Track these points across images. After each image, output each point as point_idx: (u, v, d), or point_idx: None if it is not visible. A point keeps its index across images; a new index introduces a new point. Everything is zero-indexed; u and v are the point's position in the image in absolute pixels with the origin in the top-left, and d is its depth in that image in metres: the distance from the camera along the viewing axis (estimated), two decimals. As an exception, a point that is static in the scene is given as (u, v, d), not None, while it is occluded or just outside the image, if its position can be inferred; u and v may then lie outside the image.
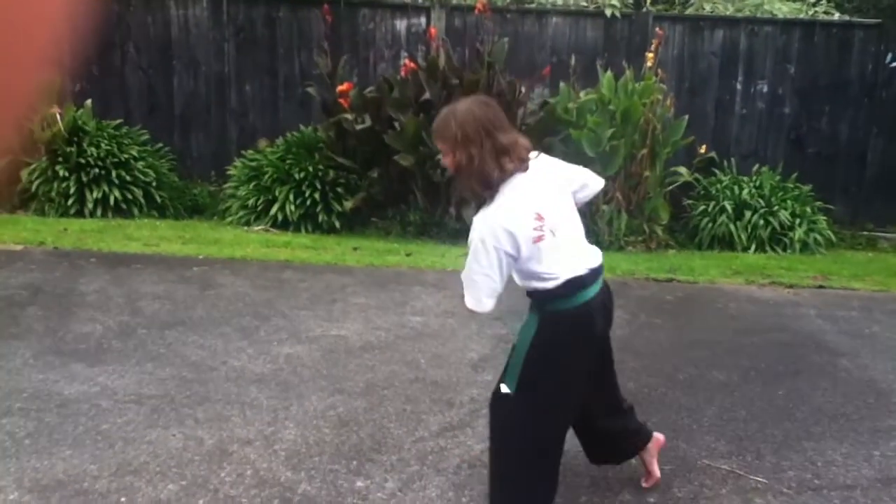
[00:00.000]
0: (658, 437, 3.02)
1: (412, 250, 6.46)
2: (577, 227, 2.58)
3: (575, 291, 2.49)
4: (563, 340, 2.54)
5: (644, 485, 3.01)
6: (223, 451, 3.15)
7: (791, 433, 3.51)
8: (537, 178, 2.50)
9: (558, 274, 2.46)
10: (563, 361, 2.56)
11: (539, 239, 2.41)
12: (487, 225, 2.40)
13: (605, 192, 7.02)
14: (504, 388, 2.55)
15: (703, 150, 7.53)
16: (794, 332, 4.91)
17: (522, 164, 2.46)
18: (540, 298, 2.54)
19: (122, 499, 2.79)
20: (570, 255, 2.50)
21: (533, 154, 2.52)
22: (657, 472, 3.00)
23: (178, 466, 3.02)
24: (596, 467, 3.07)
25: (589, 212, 6.85)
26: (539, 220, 2.41)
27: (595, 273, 2.55)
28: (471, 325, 4.71)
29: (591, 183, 2.75)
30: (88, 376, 3.78)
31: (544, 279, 2.48)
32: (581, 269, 2.50)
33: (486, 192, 2.45)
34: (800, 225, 7.08)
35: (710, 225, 7.19)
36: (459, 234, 6.99)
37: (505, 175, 2.43)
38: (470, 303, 2.48)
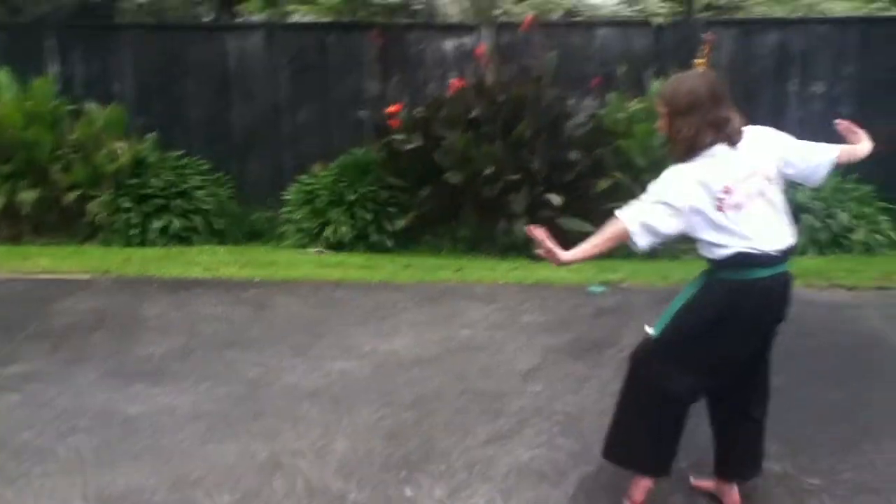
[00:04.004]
0: (734, 496, 2.86)
1: (463, 265, 6.50)
2: (773, 206, 2.62)
3: (743, 266, 2.57)
4: (717, 308, 2.61)
5: (694, 484, 2.98)
6: (276, 464, 3.23)
7: (849, 435, 3.41)
8: (742, 153, 2.59)
9: (730, 246, 2.56)
10: (711, 328, 2.61)
11: (719, 208, 2.52)
12: (676, 171, 2.57)
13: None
14: (648, 330, 2.71)
15: (758, 154, 7.38)
16: (854, 334, 4.77)
17: (728, 139, 2.57)
18: (711, 265, 2.65)
19: (179, 510, 2.90)
20: (751, 231, 2.55)
21: (745, 129, 2.62)
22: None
23: (233, 479, 3.11)
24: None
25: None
26: (725, 193, 2.52)
27: (773, 257, 2.57)
28: (520, 337, 4.72)
29: (815, 155, 2.74)
30: (149, 395, 3.92)
31: (714, 248, 2.58)
32: (757, 248, 2.55)
33: (688, 157, 2.58)
34: (861, 226, 6.86)
35: (767, 230, 7.03)
36: (510, 248, 7.01)
37: (708, 145, 2.55)
38: (625, 218, 2.58)
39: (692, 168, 2.55)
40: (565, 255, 2.62)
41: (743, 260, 2.56)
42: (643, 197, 2.59)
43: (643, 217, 2.56)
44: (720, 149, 2.56)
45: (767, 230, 2.58)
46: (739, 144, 2.59)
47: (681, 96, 2.58)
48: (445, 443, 3.40)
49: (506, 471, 3.16)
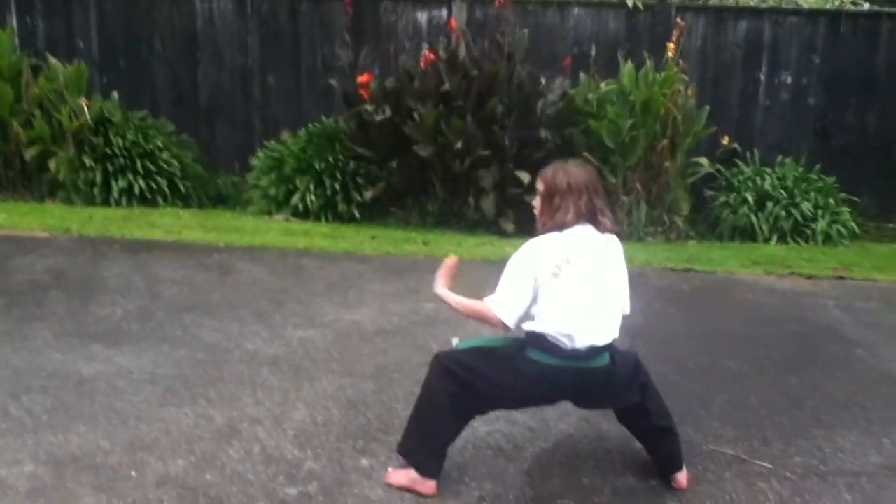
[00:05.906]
0: (681, 479, 2.92)
1: (430, 239, 6.50)
2: (604, 298, 2.74)
3: (548, 352, 2.70)
4: (518, 375, 2.75)
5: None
6: (233, 430, 3.21)
7: (800, 421, 3.49)
8: (597, 238, 2.75)
9: (547, 322, 2.68)
10: (505, 385, 2.77)
11: (556, 275, 2.66)
12: (530, 249, 2.74)
13: (624, 182, 7.01)
14: (455, 342, 2.97)
15: (726, 141, 7.47)
16: (810, 323, 4.87)
17: (592, 223, 2.74)
18: (526, 338, 2.77)
19: (133, 472, 2.87)
20: (572, 317, 2.67)
21: (610, 229, 2.80)
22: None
23: (188, 443, 3.09)
24: (601, 451, 3.12)
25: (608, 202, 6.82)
26: (566, 263, 2.67)
27: (583, 352, 2.69)
28: (484, 312, 4.73)
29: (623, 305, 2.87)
30: (106, 356, 3.87)
31: (534, 320, 2.71)
32: (566, 334, 2.67)
33: (550, 231, 2.75)
34: (823, 216, 6.98)
35: (731, 216, 7.13)
36: (478, 223, 7.02)
37: (570, 225, 2.72)
38: (497, 309, 2.74)
39: (546, 241, 2.72)
40: (441, 289, 2.92)
41: (551, 346, 2.69)
42: (503, 279, 2.74)
43: (510, 307, 2.71)
44: (579, 228, 2.73)
45: (586, 318, 2.69)
46: (601, 233, 2.76)
47: (560, 179, 2.76)
48: (404, 414, 3.38)
49: (462, 444, 3.17)
